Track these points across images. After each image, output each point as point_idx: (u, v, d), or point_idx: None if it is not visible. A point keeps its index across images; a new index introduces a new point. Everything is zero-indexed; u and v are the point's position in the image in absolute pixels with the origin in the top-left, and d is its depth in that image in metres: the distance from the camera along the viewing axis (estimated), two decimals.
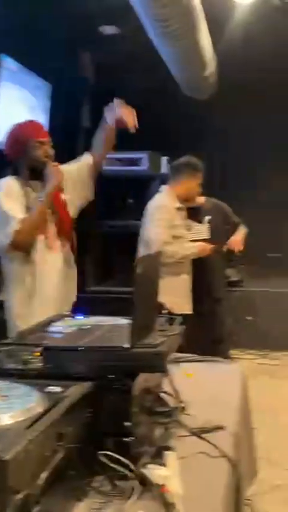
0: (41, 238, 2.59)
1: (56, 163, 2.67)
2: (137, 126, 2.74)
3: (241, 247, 3.93)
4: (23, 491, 0.90)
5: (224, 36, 4.72)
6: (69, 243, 2.72)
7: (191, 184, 3.55)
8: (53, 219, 2.66)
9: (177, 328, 1.57)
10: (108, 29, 5.08)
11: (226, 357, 4.39)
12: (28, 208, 2.53)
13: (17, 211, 2.51)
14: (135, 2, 3.37)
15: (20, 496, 0.89)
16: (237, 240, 3.90)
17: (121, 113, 2.65)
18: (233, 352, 5.37)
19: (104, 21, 4.95)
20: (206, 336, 3.74)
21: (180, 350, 2.42)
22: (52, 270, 2.62)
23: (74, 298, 3.01)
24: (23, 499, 0.90)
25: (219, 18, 4.44)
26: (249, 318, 5.56)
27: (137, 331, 1.33)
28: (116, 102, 2.70)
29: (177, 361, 2.20)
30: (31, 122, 2.88)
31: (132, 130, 2.70)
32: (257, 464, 2.10)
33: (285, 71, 5.60)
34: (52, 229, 2.65)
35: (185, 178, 3.55)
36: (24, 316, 2.47)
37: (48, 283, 2.59)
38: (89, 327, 1.60)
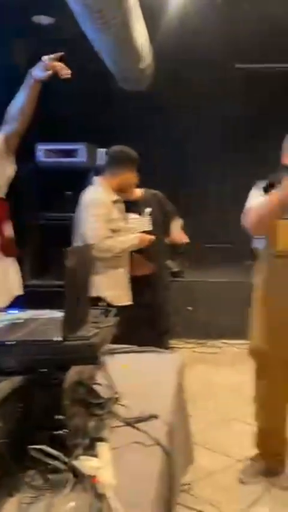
0: None
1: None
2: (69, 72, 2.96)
3: (186, 238, 3.94)
4: None
5: (160, 28, 4.73)
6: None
7: (127, 175, 3.50)
8: None
9: (111, 320, 1.57)
10: (43, 19, 5.00)
11: (165, 346, 4.43)
12: None
13: None
14: None
15: None
16: (178, 233, 3.91)
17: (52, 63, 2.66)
18: (173, 342, 5.43)
19: (39, 11, 4.86)
20: (150, 327, 3.75)
21: (121, 341, 2.44)
22: None
23: (15, 292, 2.95)
24: None
25: (155, 11, 4.45)
26: (189, 308, 5.64)
27: (69, 323, 1.33)
28: (45, 57, 2.72)
29: (113, 352, 2.20)
30: None
31: (67, 75, 2.92)
32: (193, 451, 2.15)
33: (221, 65, 5.69)
34: None
35: (121, 169, 3.49)
36: None
37: None
38: (22, 321, 1.58)
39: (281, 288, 2.63)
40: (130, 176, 3.52)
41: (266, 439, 2.80)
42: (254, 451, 2.92)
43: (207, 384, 4.28)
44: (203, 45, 5.13)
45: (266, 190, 2.61)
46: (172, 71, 5.61)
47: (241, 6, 4.67)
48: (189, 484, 2.53)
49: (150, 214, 3.72)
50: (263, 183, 2.67)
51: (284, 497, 2.63)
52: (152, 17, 4.44)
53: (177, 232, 3.91)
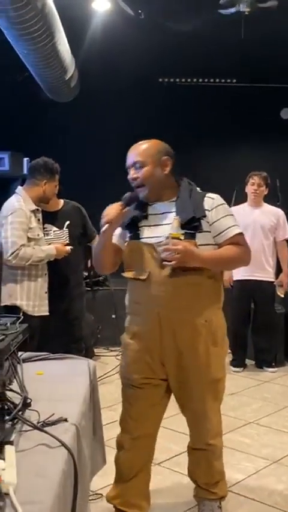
0: None
1: None
2: None
3: None
4: None
5: (83, 41, 4.82)
6: None
7: (47, 186, 3.55)
8: None
9: (18, 327, 1.61)
10: None
11: (89, 355, 4.48)
12: None
13: None
14: None
15: None
16: None
17: None
18: (97, 350, 5.49)
19: None
20: (67, 335, 3.80)
21: (38, 349, 2.48)
22: None
23: None
24: None
25: (77, 24, 4.54)
26: (113, 316, 5.70)
27: None
28: None
29: (29, 359, 2.25)
30: None
31: None
32: (106, 454, 2.22)
33: (144, 78, 5.85)
34: None
35: (41, 180, 3.53)
36: None
37: None
38: None
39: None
40: (50, 187, 3.57)
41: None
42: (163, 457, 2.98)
43: None
44: (126, 57, 5.27)
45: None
46: (96, 82, 5.71)
47: (164, 23, 4.84)
48: (103, 488, 2.59)
49: (67, 227, 3.77)
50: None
51: None
52: (74, 29, 4.52)
53: None
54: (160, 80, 6.21)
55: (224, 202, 2.36)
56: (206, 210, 2.27)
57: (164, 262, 2.18)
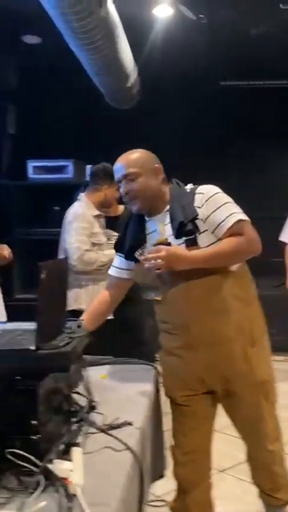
0: None
1: None
2: None
3: None
4: None
5: (144, 48, 4.85)
6: None
7: (108, 191, 3.60)
8: None
9: (83, 331, 1.64)
10: (31, 38, 5.11)
11: (150, 359, 4.49)
12: None
13: None
14: (54, 14, 3.43)
15: None
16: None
17: None
18: (158, 355, 5.49)
19: (27, 31, 4.98)
20: (128, 339, 3.82)
21: (101, 353, 2.51)
22: None
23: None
24: None
25: (139, 31, 4.57)
26: None
27: (42, 334, 1.40)
28: None
29: (93, 363, 2.28)
30: None
31: None
32: (166, 462, 2.22)
33: (206, 82, 5.83)
34: None
35: (102, 185, 3.58)
36: None
37: None
38: (0, 332, 1.65)
39: None
40: (110, 192, 3.61)
41: None
42: (227, 464, 2.93)
43: None
44: (188, 63, 5.27)
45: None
46: (158, 88, 5.73)
47: (226, 25, 4.81)
48: (164, 495, 2.58)
49: None
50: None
51: None
52: (136, 36, 4.56)
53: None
54: (222, 83, 6.17)
55: (217, 191, 2.12)
56: (197, 207, 2.06)
57: (155, 271, 2.01)
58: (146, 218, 2.21)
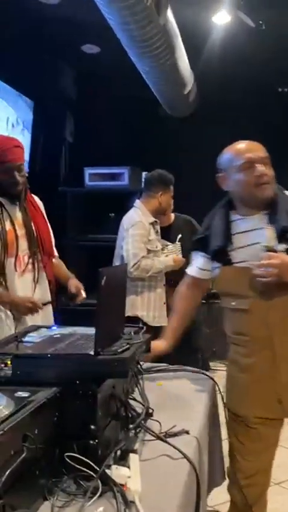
0: (11, 260, 2.56)
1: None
2: None
3: None
4: None
5: (202, 55, 4.85)
6: (45, 260, 2.73)
7: (163, 198, 3.61)
8: (28, 238, 2.64)
9: (142, 337, 1.64)
10: (90, 48, 5.20)
11: (205, 367, 4.46)
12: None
13: None
14: (114, 24, 3.48)
15: None
16: None
17: None
18: (212, 364, 5.45)
19: (86, 40, 5.07)
20: (183, 347, 3.81)
21: (158, 360, 2.51)
22: (23, 291, 2.62)
23: (50, 311, 3.04)
24: None
25: (197, 38, 4.58)
26: None
27: (101, 339, 1.41)
28: None
29: (149, 370, 2.28)
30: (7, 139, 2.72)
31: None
32: (224, 472, 2.18)
33: (263, 89, 5.76)
34: (24, 249, 2.62)
35: (157, 192, 3.60)
36: None
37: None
38: (59, 336, 1.68)
39: None
40: (165, 199, 3.62)
41: None
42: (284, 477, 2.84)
43: None
44: (244, 69, 5.23)
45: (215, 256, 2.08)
46: (214, 96, 5.71)
47: (283, 32, 4.75)
48: (219, 505, 2.55)
49: (180, 241, 3.79)
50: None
51: None
52: (194, 44, 4.57)
53: None
54: (280, 89, 6.10)
55: None
56: None
57: (258, 279, 1.86)
58: (238, 216, 2.06)
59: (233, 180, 2.04)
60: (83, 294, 2.88)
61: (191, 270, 2.26)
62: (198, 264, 2.21)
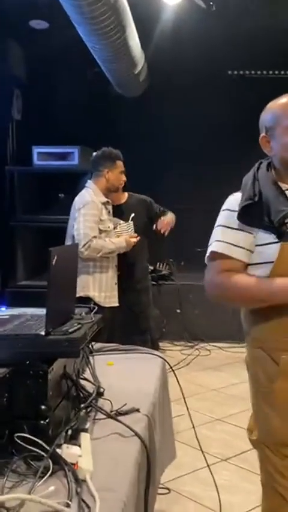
0: None
1: None
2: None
3: (167, 229, 3.92)
4: None
5: (153, 35, 4.82)
6: None
7: (110, 174, 3.58)
8: None
9: (92, 317, 1.63)
10: (38, 23, 5.08)
11: (155, 348, 4.51)
12: None
13: None
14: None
15: None
16: (165, 221, 3.90)
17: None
18: (161, 344, 5.51)
19: (34, 15, 4.94)
20: (133, 327, 3.84)
21: (108, 340, 2.51)
22: None
23: None
24: None
25: (147, 18, 4.54)
26: (178, 310, 5.71)
27: (52, 319, 1.40)
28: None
29: (99, 350, 2.28)
30: None
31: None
32: (175, 448, 2.22)
33: (213, 71, 5.79)
34: None
35: (104, 169, 3.58)
36: None
37: None
38: (7, 317, 1.65)
39: None
40: (113, 175, 3.58)
41: None
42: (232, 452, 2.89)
43: (194, 386, 4.35)
44: (195, 51, 5.23)
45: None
46: (165, 76, 5.70)
47: (234, 15, 4.77)
48: (174, 479, 2.59)
49: (132, 219, 3.79)
50: (236, 202, 1.68)
51: None
52: (144, 23, 4.53)
53: (162, 221, 3.91)
54: (229, 72, 6.13)
55: None
56: None
57: None
58: (286, 186, 1.67)
59: (279, 142, 1.68)
60: None
61: (237, 253, 1.67)
62: (243, 243, 1.67)
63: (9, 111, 5.82)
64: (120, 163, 3.62)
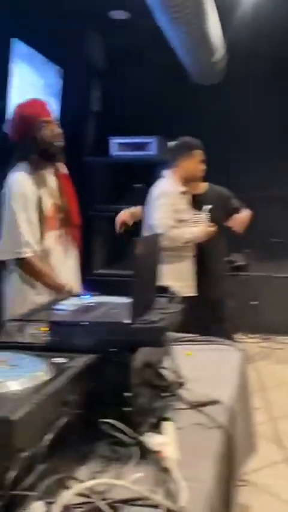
0: (50, 234, 2.59)
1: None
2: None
3: (241, 227, 3.86)
4: (28, 450, 0.98)
5: (232, 22, 4.74)
6: (74, 232, 2.75)
7: (189, 164, 3.55)
8: (61, 210, 2.67)
9: (176, 307, 1.64)
10: (118, 14, 5.10)
11: (230, 339, 4.47)
12: (40, 201, 2.55)
13: (30, 232, 2.50)
14: None
15: (25, 454, 0.97)
16: (238, 220, 3.84)
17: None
18: (236, 336, 5.45)
19: (114, 6, 4.97)
20: (209, 317, 3.81)
21: (184, 331, 2.51)
22: (65, 265, 2.65)
23: (79, 281, 3.06)
24: (28, 457, 0.98)
25: (228, 5, 4.47)
26: (253, 302, 5.63)
27: (137, 308, 1.41)
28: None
29: (178, 340, 2.28)
30: (34, 100, 2.77)
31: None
32: (256, 441, 2.19)
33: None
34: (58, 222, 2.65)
35: (182, 159, 3.55)
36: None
37: (61, 279, 2.61)
38: (92, 304, 1.68)
39: None
40: (190, 164, 3.55)
41: None
42: None
43: (271, 379, 4.28)
44: (275, 38, 5.10)
45: None
46: (245, 63, 5.59)
47: None
48: (252, 472, 2.57)
49: (209, 211, 3.74)
50: None
51: None
52: (225, 9, 4.46)
53: (237, 218, 3.84)
54: None
55: None
56: None
57: None
58: None
59: None
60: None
61: None
62: None
63: (88, 102, 5.90)
64: (198, 152, 3.59)
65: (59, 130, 2.64)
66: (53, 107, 4.77)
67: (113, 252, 5.67)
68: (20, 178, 2.53)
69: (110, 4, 4.93)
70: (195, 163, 3.58)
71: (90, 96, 5.92)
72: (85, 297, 1.93)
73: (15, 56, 4.42)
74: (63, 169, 2.77)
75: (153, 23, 4.06)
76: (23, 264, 2.53)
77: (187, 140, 3.62)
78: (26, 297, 2.54)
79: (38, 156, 2.58)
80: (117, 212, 5.51)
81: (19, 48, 4.48)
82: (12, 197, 2.51)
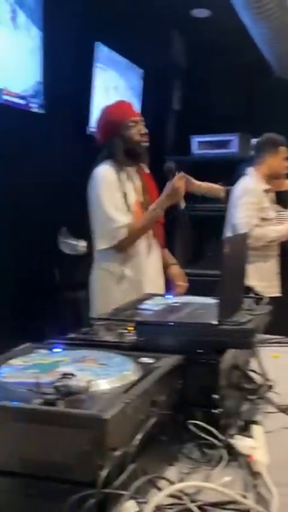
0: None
1: (183, 176, 2.64)
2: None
3: None
4: (120, 449, 0.99)
5: None
6: (157, 230, 2.77)
7: (274, 161, 3.48)
8: (145, 207, 2.70)
9: (263, 308, 1.60)
10: (200, 12, 5.07)
11: None
12: (125, 196, 2.59)
13: (120, 212, 2.56)
14: None
15: (117, 453, 0.98)
16: None
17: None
18: None
19: (196, 5, 4.95)
20: None
21: (269, 332, 2.45)
22: (148, 262, 2.68)
23: (162, 279, 3.08)
24: (120, 456, 0.99)
25: None
26: None
27: (225, 308, 1.39)
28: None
29: (265, 342, 2.23)
30: (121, 102, 2.87)
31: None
32: None
33: None
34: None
35: (267, 156, 3.48)
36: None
37: (144, 275, 2.65)
38: (178, 304, 1.68)
39: None
40: (275, 161, 3.48)
41: None
42: None
43: None
44: None
45: None
46: None
47: None
48: None
49: None
50: None
51: None
52: None
53: None
54: None
55: None
56: None
57: None
58: None
59: None
60: (184, 284, 2.85)
61: None
62: None
63: (169, 101, 5.91)
64: (283, 149, 3.52)
65: (145, 130, 2.66)
66: (136, 108, 4.82)
67: (195, 251, 5.65)
68: (106, 172, 2.60)
69: (191, 3, 4.91)
70: (280, 160, 3.51)
71: (171, 95, 5.92)
72: (169, 297, 1.94)
73: (99, 60, 4.50)
74: (146, 169, 2.80)
75: (234, 20, 4.02)
76: (124, 243, 2.56)
77: (272, 136, 3.55)
78: (110, 294, 2.58)
79: (124, 154, 2.62)
80: (200, 211, 5.51)
81: (102, 52, 4.56)
82: (99, 187, 2.57)
